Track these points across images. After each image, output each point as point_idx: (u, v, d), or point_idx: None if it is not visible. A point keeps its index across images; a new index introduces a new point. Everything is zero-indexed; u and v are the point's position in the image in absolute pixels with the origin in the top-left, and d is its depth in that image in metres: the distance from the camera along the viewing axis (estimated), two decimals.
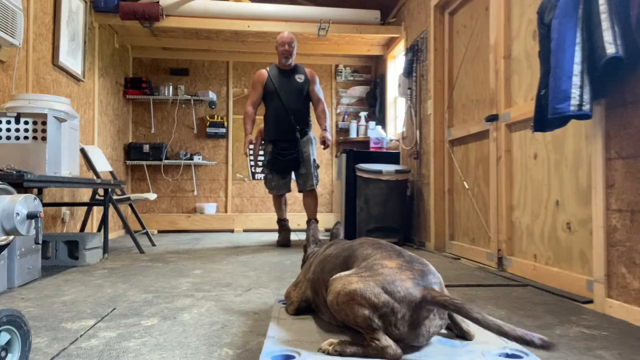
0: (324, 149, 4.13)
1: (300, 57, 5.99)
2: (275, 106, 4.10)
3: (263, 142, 4.22)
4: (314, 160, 4.13)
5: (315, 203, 4.18)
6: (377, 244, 1.28)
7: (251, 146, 4.15)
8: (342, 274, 1.18)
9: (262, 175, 6.62)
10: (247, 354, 1.39)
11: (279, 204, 4.28)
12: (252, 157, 4.40)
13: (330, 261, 1.35)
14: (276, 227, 4.44)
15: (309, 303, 1.49)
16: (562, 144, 2.39)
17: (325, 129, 4.11)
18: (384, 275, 1.11)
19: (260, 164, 4.47)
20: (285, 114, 4.05)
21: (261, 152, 4.27)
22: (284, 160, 4.05)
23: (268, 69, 4.20)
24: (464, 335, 1.22)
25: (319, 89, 4.23)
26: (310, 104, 4.25)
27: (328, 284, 1.21)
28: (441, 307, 1.08)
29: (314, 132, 4.36)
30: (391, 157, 4.68)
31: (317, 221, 4.23)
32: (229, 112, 5.96)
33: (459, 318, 1.22)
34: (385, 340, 1.07)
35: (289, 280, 2.53)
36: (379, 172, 4.17)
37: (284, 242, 4.24)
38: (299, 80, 4.14)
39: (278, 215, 4.31)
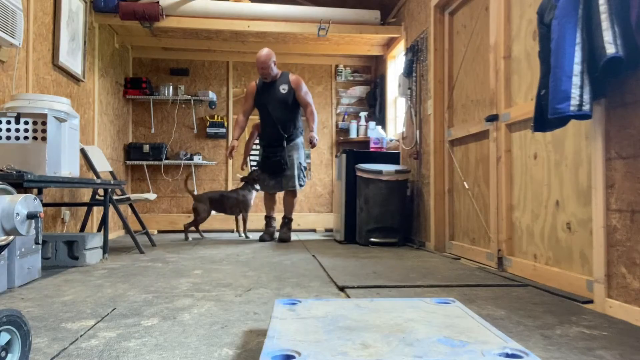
0: (312, 147, 4.56)
1: (301, 57, 6.00)
2: (264, 116, 4.60)
3: (259, 136, 4.81)
4: (300, 163, 4.59)
5: (292, 203, 4.67)
6: None
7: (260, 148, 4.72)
8: None
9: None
10: (247, 354, 1.39)
11: (268, 202, 4.76)
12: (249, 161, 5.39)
13: None
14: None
15: None
16: (562, 144, 2.39)
17: (312, 130, 4.44)
18: None
19: (254, 163, 4.99)
20: (273, 123, 4.51)
21: (257, 153, 4.72)
22: (270, 162, 4.57)
23: (258, 81, 4.61)
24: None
25: (305, 93, 4.54)
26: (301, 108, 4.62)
27: None
28: None
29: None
30: (391, 157, 4.68)
31: (291, 219, 4.71)
32: (229, 112, 5.96)
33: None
34: None
35: (289, 280, 2.54)
36: (379, 172, 4.18)
37: (266, 238, 4.67)
38: (282, 91, 4.50)
39: (266, 212, 4.78)
